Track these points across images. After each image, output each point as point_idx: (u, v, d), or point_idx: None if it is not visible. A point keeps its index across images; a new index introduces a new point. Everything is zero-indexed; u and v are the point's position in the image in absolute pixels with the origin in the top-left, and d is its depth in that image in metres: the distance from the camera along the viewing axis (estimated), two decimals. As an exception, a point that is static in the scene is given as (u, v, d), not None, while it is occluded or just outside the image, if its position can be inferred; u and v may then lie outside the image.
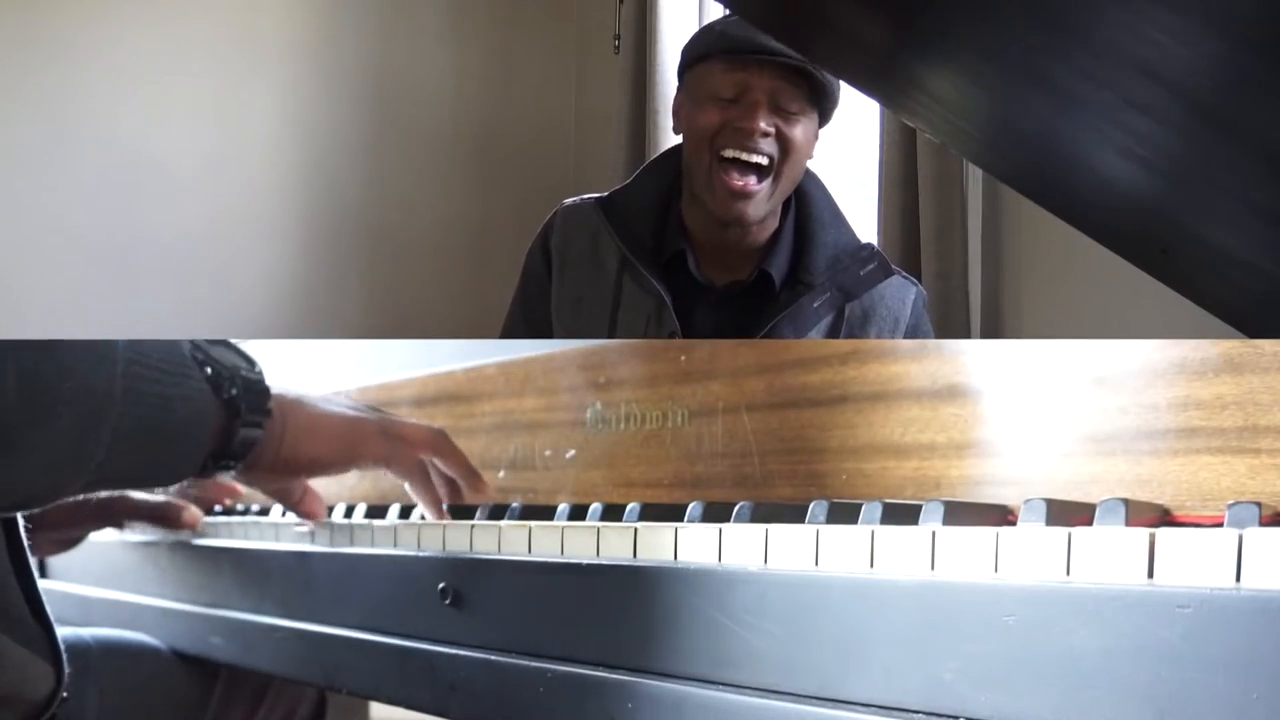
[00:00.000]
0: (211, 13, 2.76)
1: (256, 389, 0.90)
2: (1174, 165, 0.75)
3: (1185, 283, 0.95)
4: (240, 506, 1.22)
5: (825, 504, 0.72)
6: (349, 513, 1.07)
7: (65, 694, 0.95)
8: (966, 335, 2.05)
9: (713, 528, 0.71)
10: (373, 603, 0.89)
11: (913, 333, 1.41)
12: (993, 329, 2.05)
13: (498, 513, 0.95)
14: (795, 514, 0.74)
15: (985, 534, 0.58)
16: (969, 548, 0.59)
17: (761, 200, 1.35)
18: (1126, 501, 0.60)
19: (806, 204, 1.43)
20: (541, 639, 0.75)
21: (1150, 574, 0.53)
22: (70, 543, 1.17)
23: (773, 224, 1.41)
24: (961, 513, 0.66)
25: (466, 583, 0.81)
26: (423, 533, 0.92)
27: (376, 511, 1.06)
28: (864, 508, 0.68)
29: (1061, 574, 0.55)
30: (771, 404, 0.91)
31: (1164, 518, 0.67)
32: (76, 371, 0.77)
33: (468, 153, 3.09)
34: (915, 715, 0.55)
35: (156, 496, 1.11)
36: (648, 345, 1.03)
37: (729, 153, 1.32)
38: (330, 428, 0.97)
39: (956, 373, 0.79)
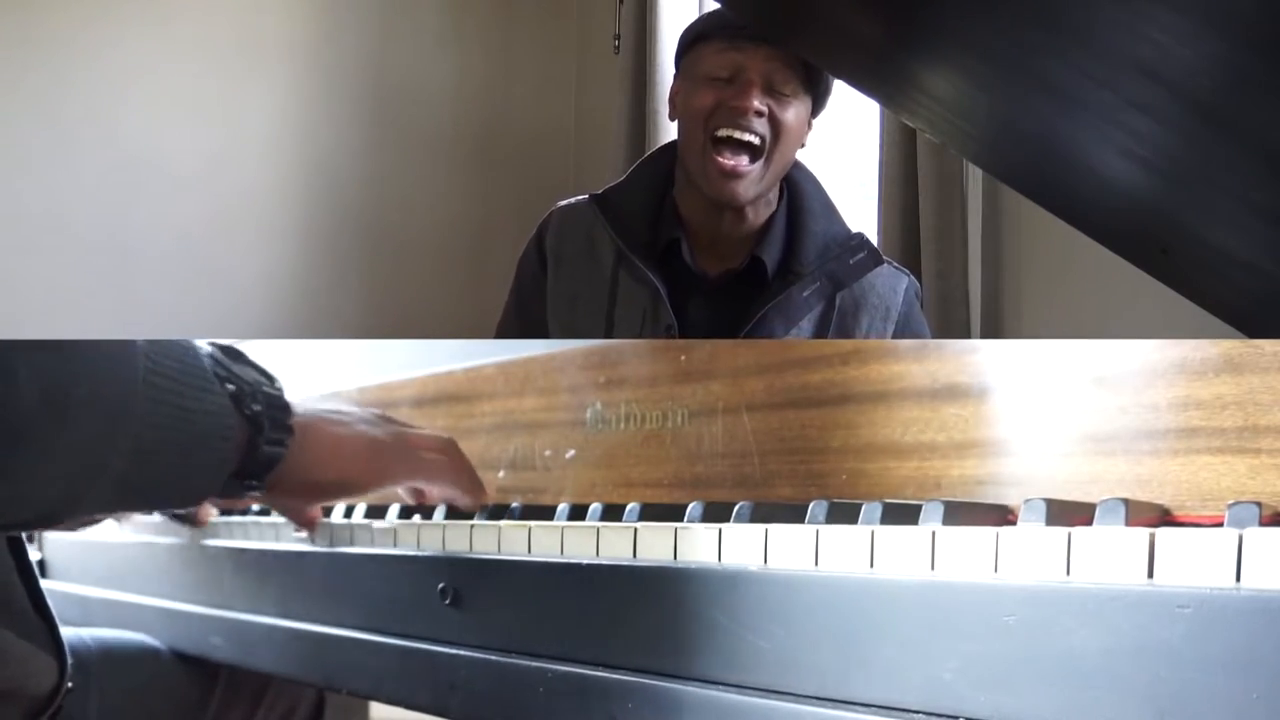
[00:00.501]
0: (211, 13, 2.76)
1: (278, 405, 0.88)
2: (1174, 165, 0.75)
3: (1185, 283, 0.95)
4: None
5: (825, 504, 0.72)
6: (349, 513, 1.07)
7: (70, 684, 0.94)
8: (966, 335, 2.05)
9: (713, 528, 0.71)
10: (373, 603, 0.89)
11: (904, 321, 1.41)
12: (993, 329, 2.05)
13: (498, 513, 0.95)
14: (795, 514, 0.74)
15: (985, 534, 0.58)
16: (969, 548, 0.59)
17: (752, 181, 1.35)
18: (1126, 501, 0.60)
19: (798, 195, 1.44)
20: (541, 639, 0.75)
21: (1150, 574, 0.53)
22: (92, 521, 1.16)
23: (765, 212, 1.42)
24: (961, 513, 0.66)
25: (466, 583, 0.81)
26: (422, 533, 0.92)
27: (376, 512, 1.06)
28: (864, 508, 0.68)
29: (1061, 574, 0.55)
30: (771, 404, 0.91)
31: (1164, 518, 0.67)
32: (96, 376, 0.74)
33: (468, 153, 3.09)
34: (915, 715, 0.55)
35: None
36: (648, 345, 1.03)
37: (722, 132, 1.33)
38: (353, 451, 0.94)
39: (956, 373, 0.79)
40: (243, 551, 1.05)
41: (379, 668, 0.87)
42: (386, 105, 2.99)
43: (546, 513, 0.92)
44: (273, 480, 0.88)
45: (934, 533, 0.60)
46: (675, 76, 1.45)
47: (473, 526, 0.88)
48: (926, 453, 0.80)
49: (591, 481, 1.04)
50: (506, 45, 3.13)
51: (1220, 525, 0.58)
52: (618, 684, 0.68)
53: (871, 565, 0.63)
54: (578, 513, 0.90)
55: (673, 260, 1.41)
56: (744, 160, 1.34)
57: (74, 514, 0.78)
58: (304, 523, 1.00)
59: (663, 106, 2.57)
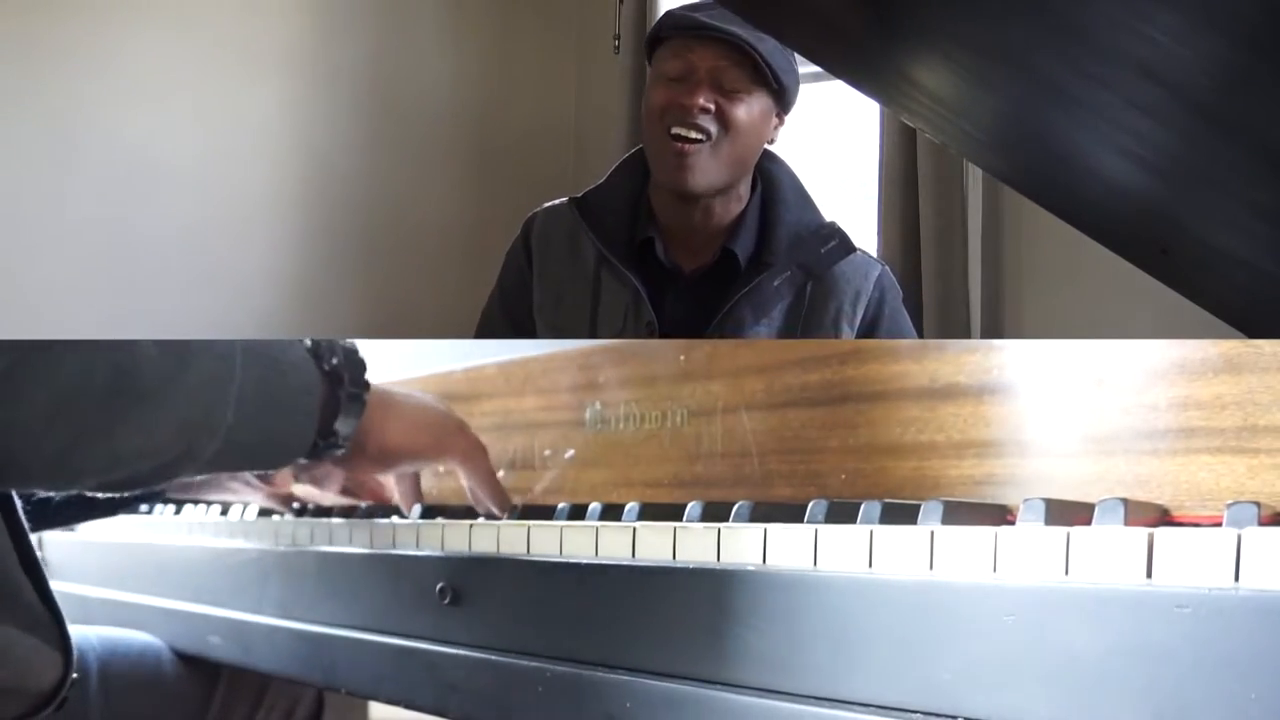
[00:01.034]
0: (211, 14, 2.76)
1: (355, 360, 0.91)
2: (1174, 165, 0.75)
3: (1185, 283, 0.95)
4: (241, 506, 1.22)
5: (824, 503, 0.72)
6: (349, 513, 1.07)
7: (75, 675, 0.94)
8: (966, 335, 2.05)
9: (712, 527, 0.71)
10: (372, 602, 0.89)
11: (876, 308, 1.42)
12: (993, 329, 2.05)
13: (497, 512, 0.95)
14: (794, 513, 0.74)
15: (984, 534, 0.58)
16: (968, 547, 0.59)
17: (704, 169, 1.39)
18: (1125, 501, 0.60)
19: (771, 186, 1.47)
20: (541, 638, 0.75)
21: (1149, 574, 0.53)
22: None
23: (736, 207, 1.45)
24: (960, 512, 0.66)
25: (465, 582, 0.81)
26: (422, 532, 0.92)
27: (376, 511, 1.06)
28: (863, 507, 0.68)
29: (1060, 574, 0.55)
30: (771, 404, 0.91)
31: (1163, 518, 0.67)
32: (199, 348, 0.81)
33: (468, 153, 3.09)
34: (914, 715, 0.55)
35: None
36: (647, 345, 1.03)
37: (674, 129, 1.38)
38: (430, 417, 0.98)
39: (956, 373, 0.79)
40: (243, 551, 1.05)
41: (378, 667, 0.87)
42: (387, 105, 2.99)
43: (546, 512, 0.93)
44: (354, 444, 0.92)
45: (933, 532, 0.60)
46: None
47: (472, 526, 0.88)
48: (926, 453, 0.80)
49: (591, 481, 1.04)
50: (506, 45, 3.12)
51: (1219, 525, 0.58)
52: (616, 684, 0.68)
53: (870, 565, 0.63)
54: (577, 512, 0.90)
55: (649, 258, 1.44)
56: (694, 151, 1.37)
57: (191, 467, 0.83)
58: (378, 498, 1.03)
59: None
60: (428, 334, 2.92)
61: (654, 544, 0.74)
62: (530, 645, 0.75)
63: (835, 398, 0.86)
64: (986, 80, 0.79)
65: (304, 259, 2.93)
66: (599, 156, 2.93)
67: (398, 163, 3.01)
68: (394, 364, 1.27)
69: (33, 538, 0.95)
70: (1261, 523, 0.57)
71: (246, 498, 1.15)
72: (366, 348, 0.94)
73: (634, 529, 0.76)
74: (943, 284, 2.05)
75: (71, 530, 1.28)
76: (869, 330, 1.42)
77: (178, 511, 1.26)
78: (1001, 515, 0.70)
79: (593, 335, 1.45)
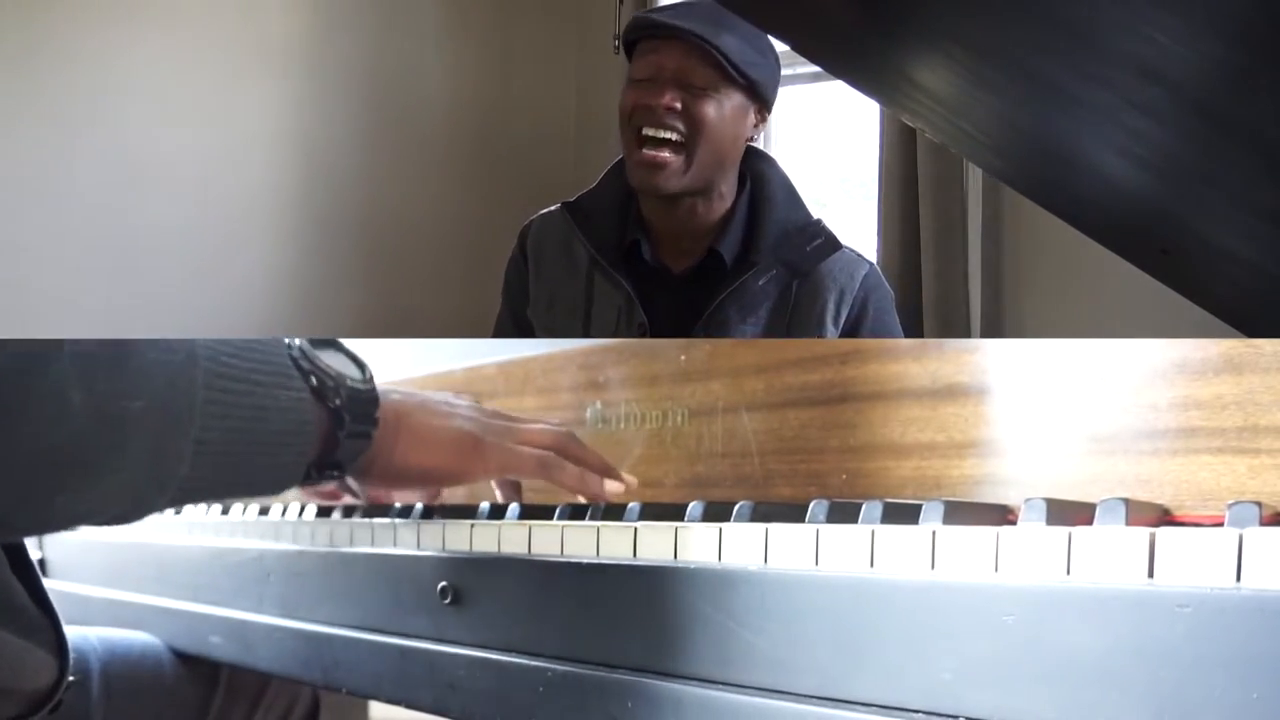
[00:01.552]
0: (211, 13, 2.75)
1: (364, 398, 0.86)
2: (1174, 165, 0.75)
3: (1185, 283, 0.95)
4: (239, 506, 1.22)
5: (825, 503, 0.72)
6: (349, 512, 1.07)
7: (71, 678, 0.94)
8: (966, 335, 2.05)
9: (713, 527, 0.71)
10: (372, 602, 0.89)
11: (861, 306, 1.42)
12: (993, 329, 2.05)
13: (497, 512, 0.95)
14: (795, 513, 0.74)
15: (985, 534, 0.58)
16: (969, 547, 0.59)
17: (675, 172, 1.40)
18: (1126, 501, 0.60)
19: (760, 185, 1.47)
20: (541, 638, 0.75)
21: (1150, 574, 0.53)
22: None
23: (721, 206, 1.45)
24: (961, 512, 0.66)
25: (466, 582, 0.81)
26: (422, 532, 0.92)
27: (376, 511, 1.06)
28: (864, 507, 0.68)
29: (1061, 574, 0.55)
30: (771, 403, 0.91)
31: (1164, 517, 0.67)
32: (149, 386, 0.72)
33: (468, 153, 3.09)
34: (915, 715, 0.55)
35: None
36: (647, 345, 1.03)
37: (644, 130, 1.39)
38: (445, 439, 0.92)
39: (956, 372, 0.79)
40: (243, 551, 1.05)
41: (379, 667, 0.87)
42: (386, 105, 2.99)
43: (546, 512, 0.92)
44: (358, 469, 0.88)
45: (934, 532, 0.60)
46: None
47: (472, 526, 0.88)
48: (926, 452, 0.80)
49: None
50: (506, 45, 3.12)
51: (1220, 525, 0.58)
52: (617, 683, 0.68)
53: (871, 565, 0.63)
54: (578, 512, 0.90)
55: (638, 259, 1.45)
56: (664, 152, 1.38)
57: (145, 515, 0.78)
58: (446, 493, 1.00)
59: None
60: (427, 333, 2.92)
61: (655, 544, 0.74)
62: (531, 645, 0.75)
63: (836, 397, 0.86)
64: (986, 80, 0.79)
65: (303, 258, 2.93)
66: (599, 156, 2.92)
67: (397, 162, 3.01)
68: (394, 364, 1.27)
69: (32, 538, 0.94)
70: (1263, 522, 0.57)
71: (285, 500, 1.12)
72: (366, 348, 0.94)
73: (635, 529, 0.76)
74: (943, 284, 2.05)
75: (73, 530, 1.28)
76: (852, 329, 1.42)
77: (177, 511, 1.26)
78: (1003, 515, 0.70)
79: (586, 336, 1.47)
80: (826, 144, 2.73)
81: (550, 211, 1.56)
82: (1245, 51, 0.56)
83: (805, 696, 0.59)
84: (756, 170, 1.47)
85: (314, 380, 0.83)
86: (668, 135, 1.38)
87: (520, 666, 0.75)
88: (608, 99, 2.91)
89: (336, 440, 0.84)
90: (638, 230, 1.46)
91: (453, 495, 1.06)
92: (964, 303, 2.06)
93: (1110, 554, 0.54)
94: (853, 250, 1.47)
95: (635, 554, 0.75)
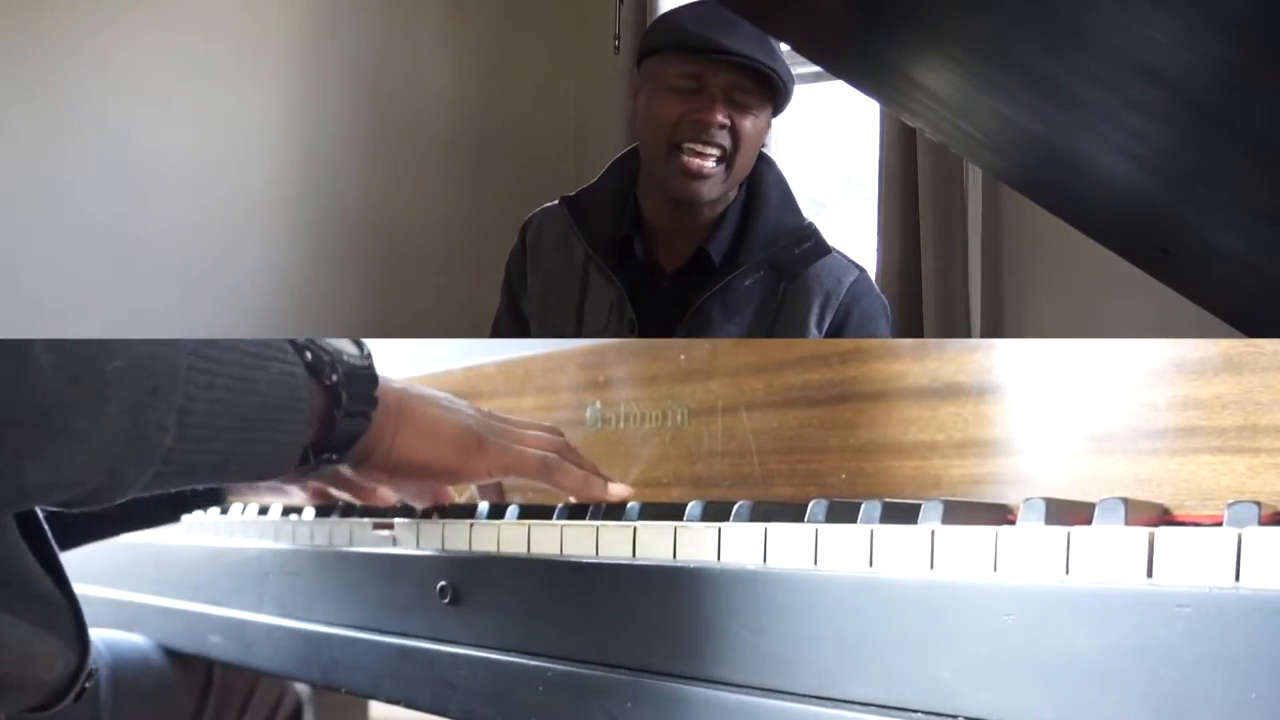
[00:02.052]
0: (211, 13, 2.75)
1: (361, 375, 0.82)
2: (1174, 165, 0.75)
3: (1185, 283, 0.95)
4: (239, 505, 1.22)
5: (824, 503, 0.72)
6: (348, 512, 1.07)
7: (94, 666, 0.91)
8: (966, 335, 2.05)
9: (712, 527, 0.71)
10: (372, 602, 0.89)
11: (845, 312, 1.42)
12: (993, 329, 2.05)
13: (497, 512, 0.95)
14: (794, 513, 0.74)
15: (984, 533, 0.58)
16: (968, 547, 0.59)
17: (716, 183, 1.41)
18: (1126, 501, 0.60)
19: (756, 185, 1.48)
20: (541, 638, 0.75)
21: (1150, 573, 0.53)
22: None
23: (720, 207, 1.46)
24: (961, 512, 0.66)
25: (466, 582, 0.81)
26: (422, 532, 0.92)
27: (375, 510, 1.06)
28: (863, 506, 0.68)
29: (1061, 573, 0.55)
30: (771, 403, 0.91)
31: (1163, 517, 0.67)
32: (127, 354, 0.69)
33: (468, 153, 3.09)
34: (914, 714, 0.55)
35: None
36: (647, 345, 1.03)
37: (687, 145, 1.38)
38: (448, 432, 0.89)
39: (956, 372, 0.79)
40: (242, 550, 1.05)
41: (378, 667, 0.87)
42: (386, 105, 2.99)
43: (546, 511, 0.92)
44: (357, 455, 0.84)
45: (933, 532, 0.60)
46: (637, 75, 1.49)
47: (471, 525, 0.88)
48: (926, 452, 0.80)
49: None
50: (506, 45, 3.12)
51: (1220, 525, 0.58)
52: (617, 683, 0.68)
53: (871, 564, 0.63)
54: (577, 512, 0.90)
55: (631, 256, 1.46)
56: (709, 163, 1.39)
57: (126, 492, 0.73)
58: (437, 499, 0.96)
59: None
60: (427, 333, 2.92)
61: (654, 543, 0.74)
62: (531, 644, 0.75)
63: (835, 397, 0.86)
64: (986, 80, 0.79)
65: (303, 257, 2.93)
66: (599, 156, 2.92)
67: (397, 161, 3.01)
68: (393, 364, 1.27)
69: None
70: (1262, 522, 0.57)
71: (291, 500, 1.11)
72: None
73: (634, 528, 0.76)
74: (943, 284, 2.05)
75: (46, 506, 1.27)
76: (835, 334, 1.41)
77: (174, 511, 1.26)
78: (1002, 515, 0.70)
79: (578, 332, 1.48)
80: (826, 144, 2.73)
81: (551, 205, 1.57)
82: (1245, 51, 0.56)
83: (805, 696, 0.59)
84: (755, 170, 1.48)
85: (308, 355, 0.80)
86: (714, 151, 1.38)
87: (520, 666, 0.75)
88: (608, 99, 2.91)
89: (333, 419, 0.81)
90: (633, 228, 1.46)
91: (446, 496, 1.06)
92: (964, 303, 2.05)
93: (1109, 554, 0.54)
94: (843, 256, 1.46)
95: (634, 554, 0.75)
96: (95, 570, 1.25)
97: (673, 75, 1.39)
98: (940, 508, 0.65)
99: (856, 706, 0.57)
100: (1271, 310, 0.86)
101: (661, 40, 1.43)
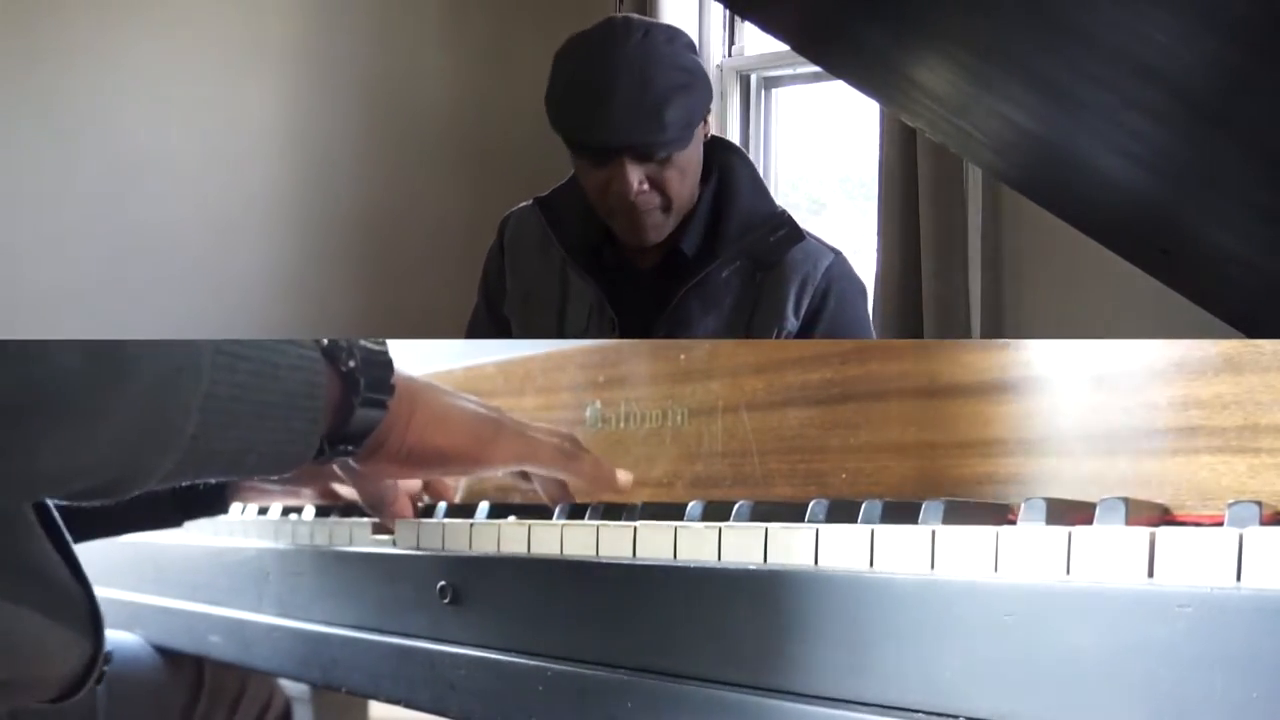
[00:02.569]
0: (210, 13, 2.75)
1: (379, 361, 0.81)
2: (1174, 165, 0.75)
3: (1185, 283, 0.95)
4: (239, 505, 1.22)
5: (825, 503, 0.72)
6: (349, 511, 1.07)
7: (110, 651, 0.89)
8: (966, 335, 2.05)
9: (712, 526, 0.71)
10: (372, 602, 0.89)
11: (823, 296, 1.41)
12: (993, 329, 2.05)
13: (497, 512, 0.95)
14: (795, 513, 0.74)
15: (985, 533, 0.58)
16: (969, 547, 0.59)
17: (661, 226, 1.39)
18: (1126, 501, 0.60)
19: (726, 176, 1.46)
20: (541, 638, 0.75)
21: (1150, 573, 0.53)
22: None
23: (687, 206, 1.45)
24: (961, 512, 0.66)
25: (466, 582, 0.81)
26: (422, 532, 0.92)
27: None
28: (864, 506, 0.68)
29: (1061, 573, 0.55)
30: (771, 403, 0.91)
31: (1164, 517, 0.67)
32: (149, 345, 0.68)
33: (467, 152, 3.09)
34: (915, 714, 0.55)
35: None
36: (647, 345, 1.03)
37: (619, 214, 1.36)
38: (463, 420, 0.88)
39: (956, 372, 0.79)
40: (242, 550, 1.05)
41: (378, 666, 0.87)
42: (386, 105, 2.99)
43: (546, 511, 0.92)
44: (372, 445, 0.82)
45: (934, 532, 0.60)
46: None
47: (472, 525, 0.88)
48: (926, 452, 0.80)
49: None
50: (506, 44, 3.12)
51: (1220, 525, 0.58)
52: (617, 683, 0.68)
53: (871, 564, 0.63)
54: (577, 511, 0.90)
55: (606, 256, 1.46)
56: (648, 218, 1.36)
57: (145, 483, 0.71)
58: (394, 511, 0.94)
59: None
60: (427, 333, 2.91)
61: (655, 543, 0.74)
62: (531, 644, 0.75)
63: (836, 397, 0.86)
64: (986, 80, 0.79)
65: (302, 258, 2.93)
66: (598, 156, 2.92)
67: (397, 161, 3.01)
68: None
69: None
70: (1263, 522, 0.57)
71: (297, 500, 1.10)
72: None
73: (634, 528, 0.76)
74: (943, 284, 2.05)
75: (61, 496, 1.27)
76: (812, 319, 1.41)
77: (184, 508, 1.26)
78: (1002, 515, 0.70)
79: (560, 332, 1.48)
80: (826, 144, 2.73)
81: (526, 205, 1.56)
82: (1245, 51, 0.56)
83: (805, 696, 0.59)
84: (723, 162, 1.46)
85: (325, 341, 0.79)
86: (645, 214, 1.36)
87: (520, 666, 0.75)
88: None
89: (350, 406, 0.79)
90: (602, 229, 1.45)
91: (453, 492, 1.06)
92: (964, 303, 2.06)
93: (1110, 553, 0.54)
94: (818, 240, 1.45)
95: (635, 553, 0.75)
96: (94, 569, 1.25)
97: (577, 156, 1.38)
98: (941, 508, 0.65)
99: (857, 706, 0.57)
100: (1271, 310, 0.86)
101: (552, 121, 1.40)
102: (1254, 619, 0.46)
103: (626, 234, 1.40)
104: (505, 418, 0.92)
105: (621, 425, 1.02)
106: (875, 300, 2.17)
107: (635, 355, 1.02)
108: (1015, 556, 0.57)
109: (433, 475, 0.94)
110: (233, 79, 2.80)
